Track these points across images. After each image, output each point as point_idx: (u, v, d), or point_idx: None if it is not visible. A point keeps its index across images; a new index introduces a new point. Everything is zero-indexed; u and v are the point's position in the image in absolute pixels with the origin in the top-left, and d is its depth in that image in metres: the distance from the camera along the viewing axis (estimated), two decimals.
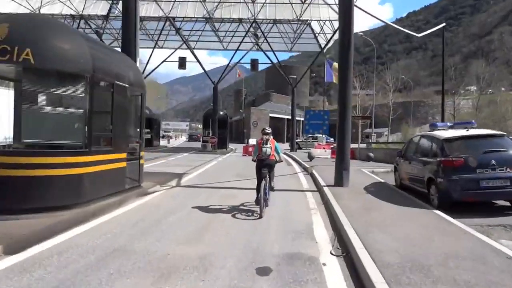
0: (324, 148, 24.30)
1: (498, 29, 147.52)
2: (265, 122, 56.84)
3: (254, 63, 30.31)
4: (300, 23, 31.41)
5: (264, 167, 7.31)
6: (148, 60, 29.81)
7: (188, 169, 15.43)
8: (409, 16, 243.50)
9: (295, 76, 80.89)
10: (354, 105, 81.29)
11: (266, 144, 7.31)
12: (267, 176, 7.32)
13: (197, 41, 32.18)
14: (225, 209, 7.68)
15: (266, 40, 29.35)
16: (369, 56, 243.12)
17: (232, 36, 30.96)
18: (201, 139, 32.47)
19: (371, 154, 19.44)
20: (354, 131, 57.73)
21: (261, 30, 28.87)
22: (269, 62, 30.53)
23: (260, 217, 6.84)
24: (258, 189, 7.32)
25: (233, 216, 7.08)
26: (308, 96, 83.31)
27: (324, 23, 29.70)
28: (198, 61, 29.97)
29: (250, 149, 25.53)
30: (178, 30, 27.34)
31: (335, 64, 32.34)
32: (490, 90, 75.57)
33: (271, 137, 7.56)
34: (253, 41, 31.04)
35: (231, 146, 40.97)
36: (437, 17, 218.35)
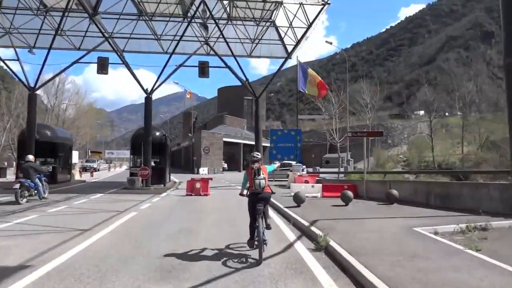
0: (306, 181, 16.36)
1: (437, 58, 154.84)
2: (219, 148, 48.25)
3: (204, 66, 22.12)
4: (263, 21, 24.04)
5: (259, 201, 5.96)
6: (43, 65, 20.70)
7: (56, 243, 6.55)
8: (354, 47, 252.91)
9: (250, 98, 73.94)
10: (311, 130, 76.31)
11: (259, 174, 5.96)
12: (264, 211, 5.98)
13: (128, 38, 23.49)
14: None
15: (222, 34, 21.36)
16: None
17: (174, 36, 22.78)
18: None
19: (394, 192, 11.68)
20: (313, 156, 50.91)
21: (212, 16, 20.83)
22: (223, 65, 22.50)
23: (259, 263, 5.40)
24: (252, 229, 6.02)
25: None
26: (265, 121, 76.41)
27: (292, 22, 22.59)
28: (124, 62, 21.17)
29: (198, 185, 16.80)
30: (93, 16, 18.44)
31: (311, 71, 25.16)
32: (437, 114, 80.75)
33: (261, 163, 6.29)
34: (202, 38, 22.97)
35: (175, 178, 31.81)
36: (378, 48, 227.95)
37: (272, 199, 12.15)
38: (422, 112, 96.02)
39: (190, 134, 52.93)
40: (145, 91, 20.61)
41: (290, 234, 7.92)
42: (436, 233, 7.34)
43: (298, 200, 11.44)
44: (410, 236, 6.95)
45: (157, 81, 21.09)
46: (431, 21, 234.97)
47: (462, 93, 65.19)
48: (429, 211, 10.04)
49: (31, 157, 14.12)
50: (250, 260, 5.69)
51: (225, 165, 51.03)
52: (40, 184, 13.48)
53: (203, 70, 22.09)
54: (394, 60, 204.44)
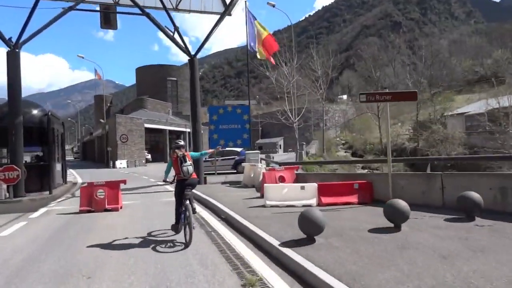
0: (282, 179, 10.30)
1: (353, 45, 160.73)
2: (139, 136, 39.83)
3: (108, 10, 14.53)
4: None
5: (187, 187, 6.10)
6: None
7: None
8: (275, 34, 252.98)
9: (175, 79, 65.35)
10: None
11: (185, 161, 6.09)
12: (190, 197, 6.08)
13: None
14: None
15: None
16: (242, 70, 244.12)
17: None
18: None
19: (476, 197, 6.21)
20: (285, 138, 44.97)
21: None
22: (138, 12, 15.08)
23: (187, 246, 5.65)
24: (178, 214, 6.18)
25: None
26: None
27: None
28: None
29: (101, 193, 9.68)
30: None
31: (258, 24, 18.96)
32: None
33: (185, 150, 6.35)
34: None
35: (79, 177, 23.53)
36: (299, 35, 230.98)
37: (236, 217, 7.50)
38: (345, 97, 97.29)
39: (102, 120, 43.27)
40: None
41: None
42: None
43: (311, 225, 5.25)
44: None
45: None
46: (345, 11, 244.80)
47: (382, 77, 65.33)
48: None
49: None
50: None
51: (149, 156, 42.83)
52: None
53: (107, 17, 14.51)
54: (315, 47, 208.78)
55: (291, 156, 38.88)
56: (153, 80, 59.82)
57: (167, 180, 6.46)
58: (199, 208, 9.30)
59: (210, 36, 18.03)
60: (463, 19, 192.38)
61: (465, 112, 37.25)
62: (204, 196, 10.71)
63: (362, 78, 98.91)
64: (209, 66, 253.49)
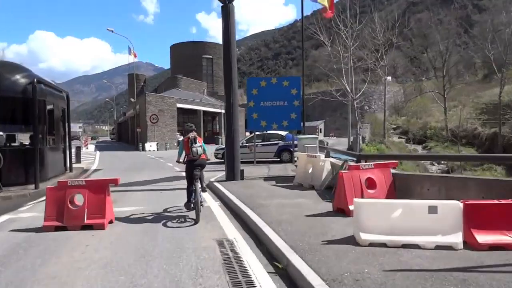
0: (370, 182, 6.20)
1: (399, 23, 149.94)
2: (171, 116, 36.67)
3: None
4: None
5: (196, 167, 6.47)
6: None
7: None
8: (314, 14, 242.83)
9: (211, 56, 61.71)
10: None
11: (195, 142, 6.44)
12: (200, 176, 6.53)
13: None
14: None
15: None
16: (279, 52, 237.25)
17: None
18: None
19: None
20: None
21: None
22: None
23: (196, 222, 6.04)
24: (189, 193, 6.57)
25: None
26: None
27: None
28: None
29: (79, 200, 5.93)
30: None
31: None
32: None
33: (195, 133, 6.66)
34: None
35: (100, 160, 20.53)
36: (340, 15, 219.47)
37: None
38: (389, 78, 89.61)
39: (132, 100, 40.48)
40: None
41: None
42: None
43: None
44: None
45: None
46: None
47: (432, 57, 57.78)
48: None
49: None
50: None
51: (181, 138, 39.74)
52: None
53: None
54: (358, 26, 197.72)
55: (337, 142, 34.18)
56: (188, 58, 56.31)
57: (180, 160, 6.77)
58: (231, 232, 5.42)
59: None
60: None
61: None
62: (241, 207, 6.76)
63: (408, 59, 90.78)
64: (246, 48, 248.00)
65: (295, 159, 14.34)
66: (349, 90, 21.98)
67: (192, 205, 6.39)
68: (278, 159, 16.79)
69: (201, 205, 6.37)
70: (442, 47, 51.08)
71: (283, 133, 16.81)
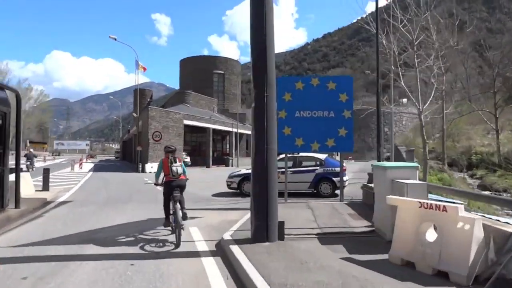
0: None
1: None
2: (177, 134, 32.49)
3: None
4: None
5: (175, 188, 6.18)
6: None
7: None
8: (325, 37, 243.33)
9: (222, 72, 58.09)
10: None
11: (175, 162, 6.29)
12: (180, 199, 6.14)
13: None
14: None
15: None
16: (290, 74, 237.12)
17: None
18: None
19: None
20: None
21: None
22: None
23: (177, 246, 5.65)
24: (167, 214, 6.36)
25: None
26: (241, 104, 59.99)
27: None
28: None
29: None
30: None
31: None
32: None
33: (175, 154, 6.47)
34: None
35: (81, 185, 15.95)
36: (350, 38, 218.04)
37: None
38: (405, 100, 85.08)
39: (135, 114, 36.52)
40: None
41: None
42: None
43: None
44: None
45: None
46: (399, 12, 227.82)
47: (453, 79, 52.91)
48: None
49: None
50: None
51: (188, 159, 35.42)
52: None
53: None
54: (367, 50, 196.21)
55: (363, 167, 29.42)
56: (198, 73, 52.75)
57: (158, 183, 6.54)
58: None
59: None
60: None
61: None
62: None
63: (422, 82, 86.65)
64: None
65: (338, 192, 9.85)
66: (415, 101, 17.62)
67: (171, 228, 6.35)
68: (314, 191, 12.21)
69: (182, 228, 5.81)
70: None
71: (322, 156, 12.29)
